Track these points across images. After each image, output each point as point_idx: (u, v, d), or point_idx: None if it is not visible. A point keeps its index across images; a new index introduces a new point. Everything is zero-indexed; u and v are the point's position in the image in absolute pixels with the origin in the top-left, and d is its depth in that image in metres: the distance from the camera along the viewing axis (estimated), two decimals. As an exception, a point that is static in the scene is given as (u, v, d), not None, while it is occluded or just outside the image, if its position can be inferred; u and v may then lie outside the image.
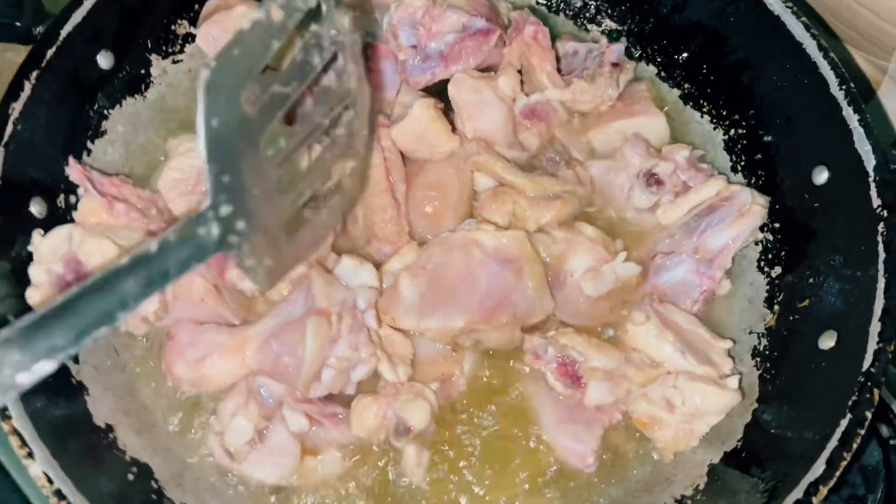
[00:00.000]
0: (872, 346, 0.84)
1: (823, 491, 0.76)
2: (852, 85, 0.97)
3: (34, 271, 0.88)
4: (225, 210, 0.62)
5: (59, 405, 0.85)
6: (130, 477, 0.86)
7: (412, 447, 0.94)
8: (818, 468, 0.78)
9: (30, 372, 0.57)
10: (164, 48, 1.11)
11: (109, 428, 0.89)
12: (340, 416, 0.94)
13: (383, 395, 0.93)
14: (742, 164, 1.12)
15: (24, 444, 0.76)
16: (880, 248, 0.89)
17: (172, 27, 1.11)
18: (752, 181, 1.10)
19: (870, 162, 0.93)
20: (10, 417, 0.76)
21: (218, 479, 0.92)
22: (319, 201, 0.81)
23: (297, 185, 0.74)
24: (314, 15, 0.70)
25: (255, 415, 0.90)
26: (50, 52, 0.95)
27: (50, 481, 0.75)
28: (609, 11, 1.21)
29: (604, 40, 1.13)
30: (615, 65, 1.11)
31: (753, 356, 1.01)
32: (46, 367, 0.57)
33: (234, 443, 0.90)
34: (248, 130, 0.65)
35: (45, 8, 0.99)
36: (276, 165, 0.70)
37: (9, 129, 0.90)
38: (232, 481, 0.92)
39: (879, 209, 0.91)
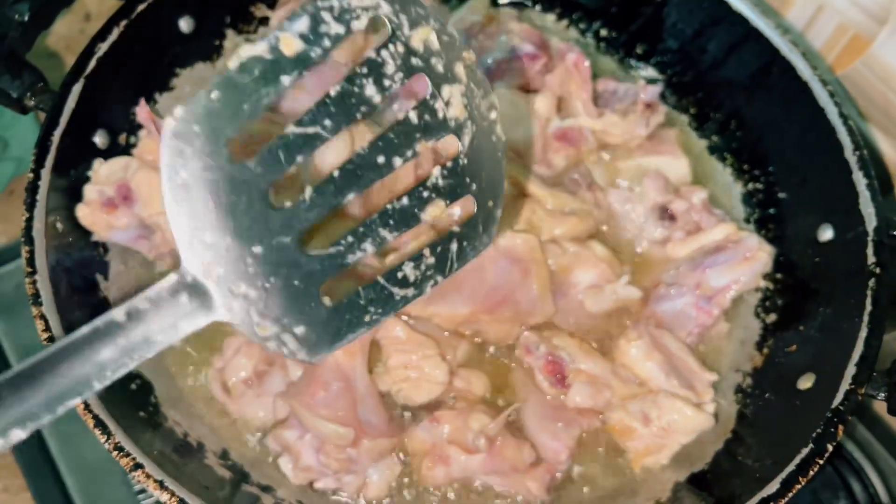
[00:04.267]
0: (845, 387, 0.87)
1: (774, 508, 0.79)
2: (865, 152, 1.02)
3: (88, 190, 0.97)
4: (216, 271, 0.54)
5: (84, 311, 0.92)
6: (133, 387, 0.93)
7: None
8: (772, 487, 0.81)
9: (5, 438, 0.53)
10: (240, 26, 1.22)
11: (123, 342, 0.96)
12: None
13: None
14: (755, 216, 1.18)
15: (47, 328, 0.83)
16: (868, 301, 0.93)
17: (251, 8, 1.22)
18: (762, 233, 1.15)
19: (871, 223, 0.98)
20: (41, 304, 0.84)
21: (209, 412, 0.98)
22: (399, 261, 0.62)
23: (344, 246, 0.58)
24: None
25: (257, 356, 0.96)
26: (140, 7, 1.06)
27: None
28: (652, 60, 1.29)
29: (641, 82, 1.20)
30: (648, 105, 1.18)
31: (736, 392, 1.04)
32: (19, 435, 0.53)
33: (231, 378, 0.96)
34: (245, 179, 0.54)
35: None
36: (299, 219, 0.56)
37: (92, 64, 1.01)
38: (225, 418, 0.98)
39: (873, 267, 0.95)
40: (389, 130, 0.56)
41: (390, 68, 0.53)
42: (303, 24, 0.51)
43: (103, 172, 0.99)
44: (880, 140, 1.32)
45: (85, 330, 0.55)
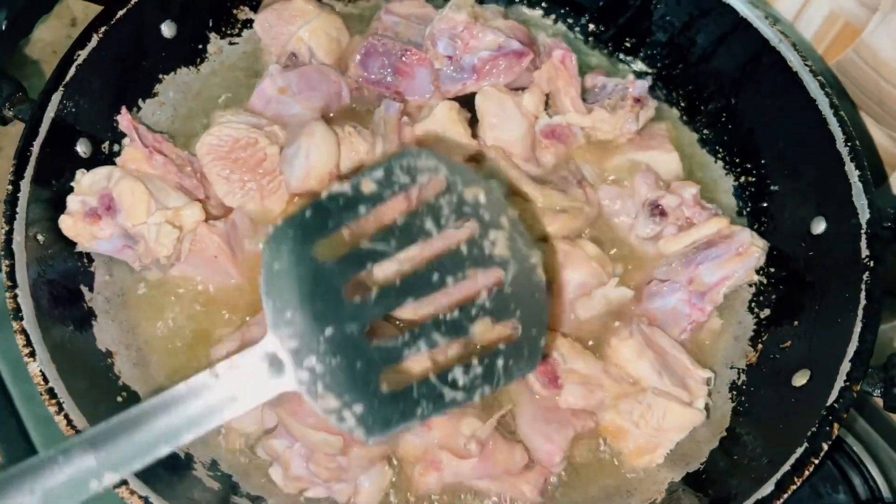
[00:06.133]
0: (840, 384, 0.86)
1: (769, 509, 0.78)
2: (857, 143, 1.01)
3: (71, 200, 0.96)
4: (290, 344, 0.65)
5: (67, 323, 0.92)
6: (119, 399, 0.92)
7: None
8: (767, 488, 0.80)
9: (100, 480, 0.59)
10: (223, 29, 1.21)
11: (109, 353, 0.95)
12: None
13: None
14: (747, 209, 1.16)
15: (28, 343, 0.82)
16: (862, 295, 0.92)
17: (234, 11, 1.21)
18: (755, 226, 1.13)
19: (864, 215, 0.97)
20: (21, 318, 0.83)
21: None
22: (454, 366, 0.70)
23: (401, 341, 0.68)
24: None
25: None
26: (120, 13, 1.05)
27: (45, 380, 0.81)
28: (641, 54, 1.27)
29: (630, 76, 1.19)
30: (637, 100, 1.16)
31: (731, 389, 1.03)
32: (115, 478, 0.60)
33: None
34: (325, 275, 0.66)
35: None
36: (365, 313, 0.67)
37: (71, 71, 1.00)
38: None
39: (867, 260, 0.94)
40: (442, 255, 0.69)
41: (445, 211, 0.68)
42: (379, 173, 0.65)
43: (86, 182, 0.98)
44: (872, 128, 1.31)
45: (179, 388, 0.63)
